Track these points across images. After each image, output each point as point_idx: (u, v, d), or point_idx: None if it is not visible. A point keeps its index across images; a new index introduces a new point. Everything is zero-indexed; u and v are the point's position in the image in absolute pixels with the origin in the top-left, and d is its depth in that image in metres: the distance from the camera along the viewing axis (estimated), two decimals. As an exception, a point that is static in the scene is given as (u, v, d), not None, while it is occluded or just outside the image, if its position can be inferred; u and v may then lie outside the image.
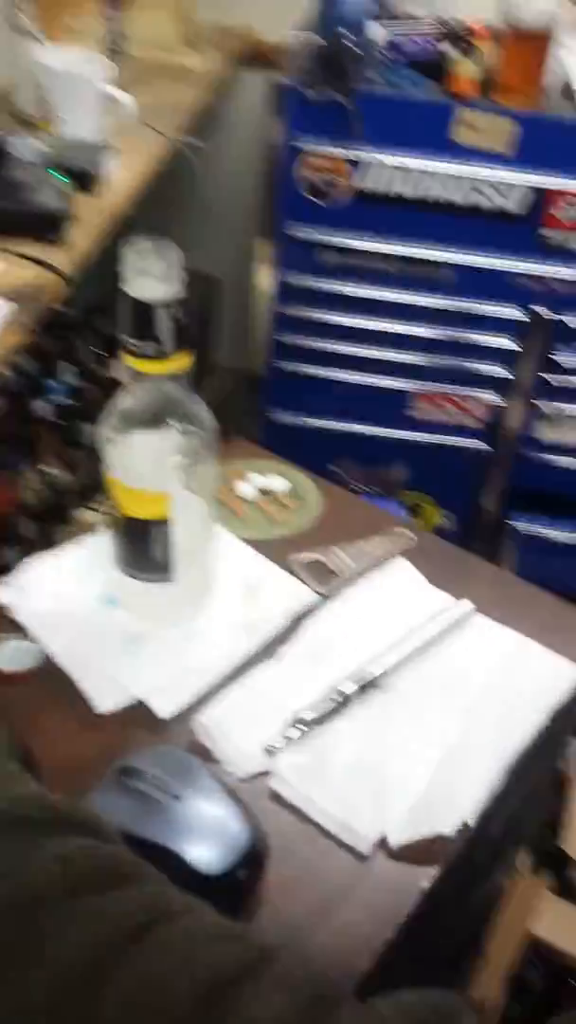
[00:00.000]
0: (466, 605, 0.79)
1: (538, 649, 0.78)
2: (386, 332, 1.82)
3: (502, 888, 1.07)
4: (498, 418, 1.92)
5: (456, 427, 1.95)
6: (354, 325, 1.80)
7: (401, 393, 1.91)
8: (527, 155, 1.63)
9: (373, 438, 1.97)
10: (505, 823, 0.79)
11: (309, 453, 1.95)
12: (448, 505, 2.11)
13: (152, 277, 0.59)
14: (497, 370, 1.86)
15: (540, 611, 0.84)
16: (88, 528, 0.84)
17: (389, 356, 1.85)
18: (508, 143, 1.62)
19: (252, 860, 0.57)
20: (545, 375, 1.85)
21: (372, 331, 1.82)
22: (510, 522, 2.00)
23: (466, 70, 1.61)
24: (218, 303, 2.18)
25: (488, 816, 0.68)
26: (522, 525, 1.99)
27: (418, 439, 1.98)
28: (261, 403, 1.93)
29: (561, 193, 1.66)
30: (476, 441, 1.97)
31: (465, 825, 0.64)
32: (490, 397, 1.90)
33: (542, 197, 1.66)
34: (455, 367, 1.86)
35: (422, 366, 1.87)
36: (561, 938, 1.42)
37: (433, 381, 1.89)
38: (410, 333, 1.81)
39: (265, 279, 1.76)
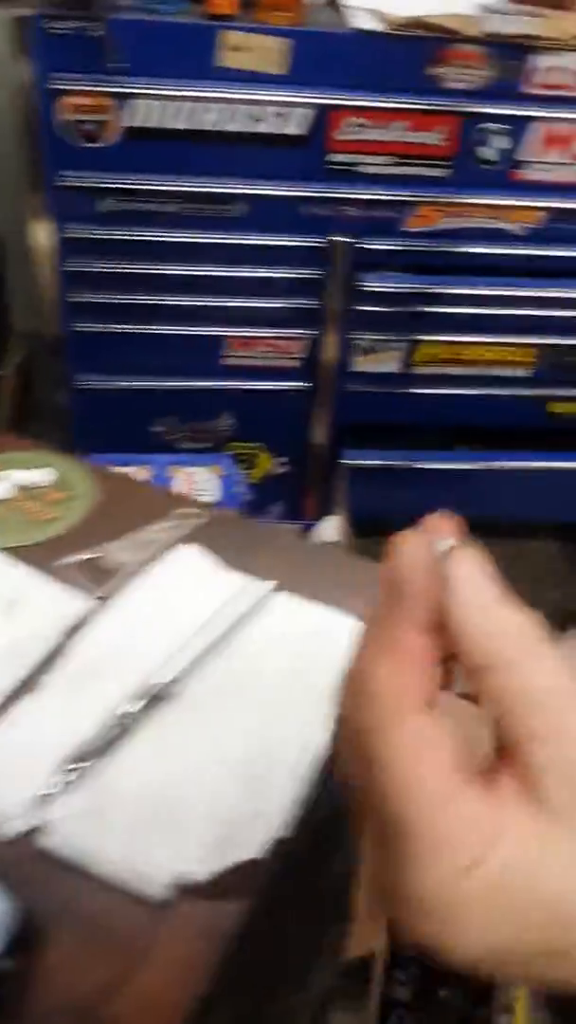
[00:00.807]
0: (263, 586, 0.72)
1: (344, 620, 0.71)
2: (186, 277, 1.71)
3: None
4: (314, 354, 1.86)
5: (275, 369, 1.88)
6: (148, 273, 1.69)
7: (213, 340, 1.81)
8: (302, 74, 1.54)
9: (192, 392, 1.88)
10: (333, 805, 0.74)
11: (127, 416, 1.87)
12: (280, 449, 2.04)
13: None
14: (305, 305, 1.78)
15: (347, 573, 0.78)
16: None
17: (193, 302, 1.75)
18: (279, 63, 1.52)
19: (20, 945, 0.49)
20: (353, 306, 1.79)
21: (172, 278, 1.71)
22: (340, 458, 1.95)
23: (226, -13, 1.49)
24: (3, 264, 2.01)
25: (306, 817, 0.61)
26: (351, 459, 1.94)
27: (239, 386, 1.89)
28: (65, 369, 1.80)
29: (341, 113, 1.58)
30: (296, 382, 1.90)
31: (277, 841, 0.58)
32: (302, 334, 1.82)
33: (324, 119, 1.58)
34: (262, 307, 1.78)
35: (230, 309, 1.77)
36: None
37: (243, 324, 1.80)
38: (206, 274, 1.71)
39: (43, 235, 1.61)
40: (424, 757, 0.27)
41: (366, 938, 1.25)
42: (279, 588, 0.72)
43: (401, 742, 0.27)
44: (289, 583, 0.74)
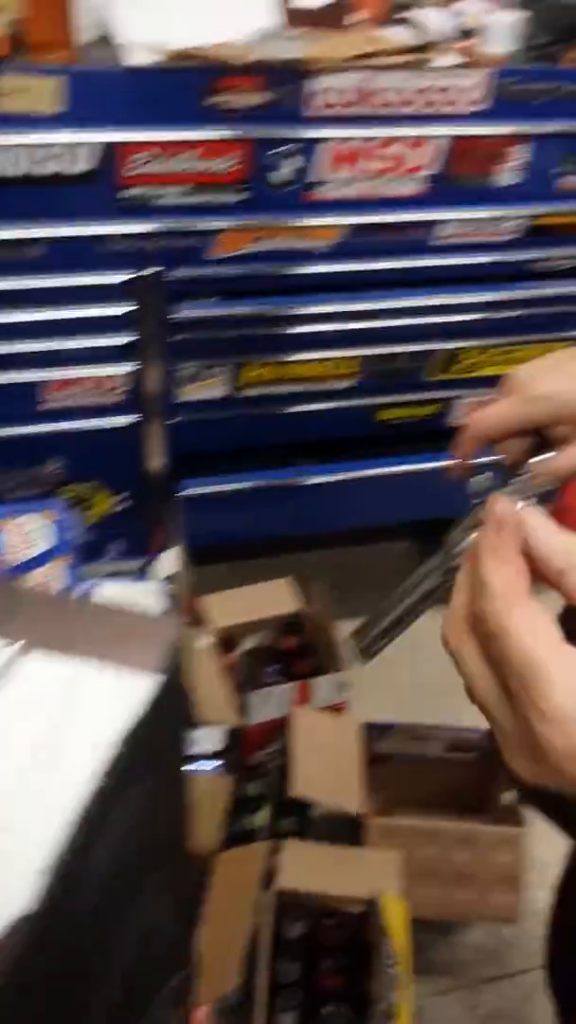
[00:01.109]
0: (8, 649, 0.70)
1: (96, 673, 0.70)
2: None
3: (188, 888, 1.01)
4: (137, 388, 1.84)
5: (99, 407, 1.86)
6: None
7: (29, 386, 1.78)
8: (82, 112, 1.53)
9: (14, 440, 1.83)
10: (111, 867, 0.72)
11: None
12: (118, 486, 2.01)
13: None
14: (121, 340, 1.77)
15: (111, 625, 0.77)
16: None
17: (1, 350, 1.71)
18: (57, 102, 1.51)
19: None
20: (170, 336, 1.78)
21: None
22: (176, 490, 1.94)
23: (-12, 31, 1.47)
24: None
25: (69, 883, 0.60)
26: (186, 489, 1.94)
27: (64, 428, 1.86)
28: None
29: (128, 147, 1.58)
30: (124, 416, 1.88)
31: (22, 918, 0.56)
32: (123, 369, 1.81)
33: (111, 155, 1.58)
34: (77, 347, 1.76)
35: (43, 353, 1.74)
36: (304, 881, 1.41)
37: (59, 366, 1.77)
38: (12, 321, 1.68)
39: None
40: (540, 622, 0.41)
41: (218, 983, 1.23)
42: (31, 649, 0.70)
43: (522, 615, 0.41)
44: (45, 642, 0.72)
